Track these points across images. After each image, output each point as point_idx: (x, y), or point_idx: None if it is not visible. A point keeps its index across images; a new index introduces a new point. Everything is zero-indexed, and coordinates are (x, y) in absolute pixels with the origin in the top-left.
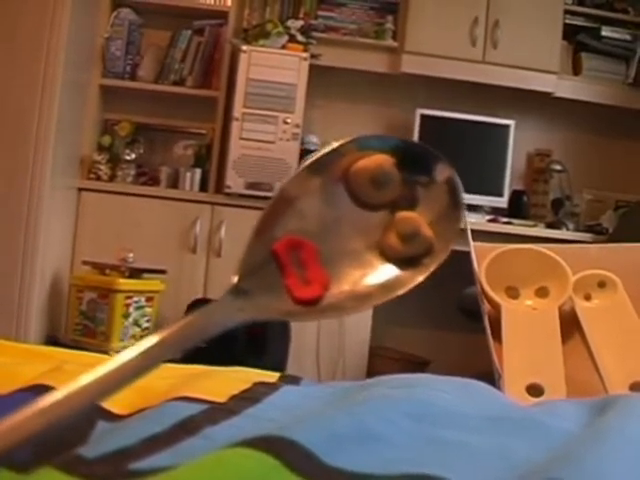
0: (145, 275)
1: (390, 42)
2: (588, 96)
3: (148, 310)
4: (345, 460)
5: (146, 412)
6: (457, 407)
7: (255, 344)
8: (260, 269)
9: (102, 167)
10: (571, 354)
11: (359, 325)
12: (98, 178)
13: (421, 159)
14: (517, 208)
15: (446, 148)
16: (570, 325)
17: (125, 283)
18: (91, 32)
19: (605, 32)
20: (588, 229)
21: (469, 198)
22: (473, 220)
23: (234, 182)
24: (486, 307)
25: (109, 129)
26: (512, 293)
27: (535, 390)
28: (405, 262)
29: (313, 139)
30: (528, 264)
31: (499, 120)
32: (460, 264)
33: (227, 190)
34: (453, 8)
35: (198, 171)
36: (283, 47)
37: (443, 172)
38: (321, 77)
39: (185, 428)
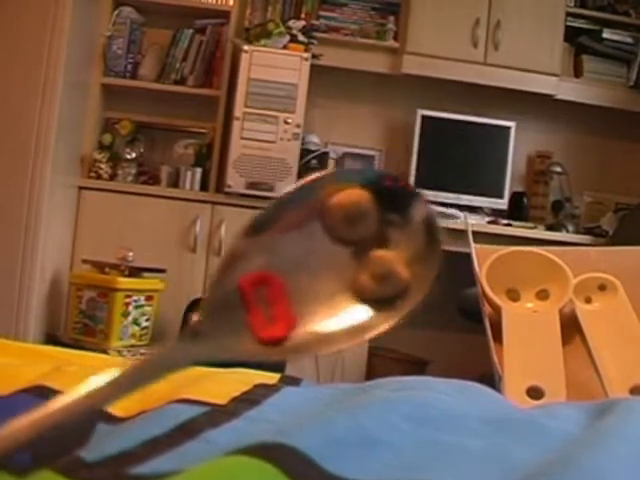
0: (145, 274)
1: (391, 43)
2: (589, 98)
3: (148, 309)
4: (345, 466)
5: (146, 414)
6: (457, 410)
7: None
8: (224, 307)
9: (103, 166)
10: (571, 357)
11: None
12: (99, 177)
13: (400, 196)
14: (517, 210)
15: (447, 149)
16: (570, 328)
17: (125, 282)
18: (92, 31)
19: (607, 34)
20: (588, 231)
21: (470, 199)
22: (473, 222)
23: (234, 181)
24: (487, 309)
25: (110, 128)
26: (513, 295)
27: (535, 392)
28: (378, 303)
29: (314, 139)
30: (529, 267)
31: (500, 122)
32: (460, 265)
33: (227, 189)
34: (455, 9)
35: (199, 170)
36: (284, 47)
37: (422, 210)
38: (322, 77)
39: (186, 431)
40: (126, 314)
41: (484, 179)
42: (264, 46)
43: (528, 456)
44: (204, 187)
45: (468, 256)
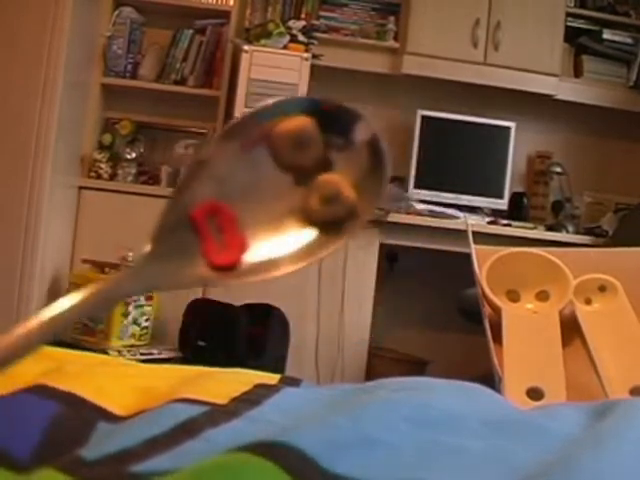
0: None
1: (391, 43)
2: (589, 99)
3: (147, 309)
4: (346, 466)
5: (147, 413)
6: (457, 411)
7: (255, 344)
8: (176, 234)
9: (103, 166)
10: (571, 358)
11: (358, 325)
12: (99, 177)
13: (343, 119)
14: (517, 210)
15: (447, 149)
16: (571, 329)
17: None
18: (92, 31)
19: (607, 35)
20: (588, 231)
21: (469, 199)
22: (473, 222)
23: None
24: (487, 310)
25: (110, 128)
26: (513, 296)
27: (535, 393)
28: (326, 226)
29: None
30: (529, 268)
31: (500, 122)
32: (460, 265)
33: None
34: (455, 9)
35: None
36: (285, 47)
37: (366, 132)
38: (322, 77)
39: (186, 430)
40: (126, 314)
41: (484, 179)
42: (264, 46)
43: (528, 457)
44: None
45: (468, 256)
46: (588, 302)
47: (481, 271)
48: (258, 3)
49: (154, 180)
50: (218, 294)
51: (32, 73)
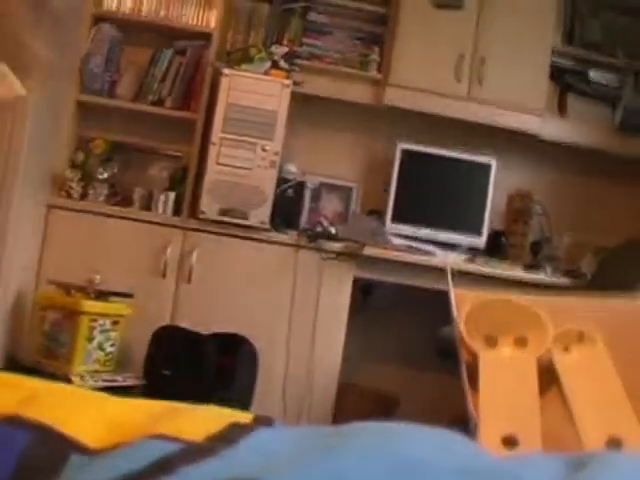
0: (112, 298)
1: (374, 74)
2: (573, 138)
3: (113, 334)
4: None
5: (122, 449)
6: (433, 459)
7: (223, 374)
8: None
9: (74, 185)
10: (548, 406)
11: (329, 359)
12: (69, 196)
13: None
14: (495, 249)
15: (426, 184)
16: (548, 377)
17: (91, 305)
18: (70, 47)
19: (593, 75)
20: (566, 273)
21: (448, 236)
22: (450, 259)
23: (208, 207)
24: (464, 354)
25: (83, 146)
26: (490, 342)
27: (510, 442)
28: None
29: (291, 168)
30: (508, 314)
31: (481, 158)
32: (435, 302)
33: (201, 216)
34: (439, 43)
35: (172, 194)
36: (266, 73)
37: None
38: (303, 105)
39: (161, 467)
40: (91, 338)
41: (463, 216)
42: (245, 71)
43: None
44: (177, 211)
45: (444, 294)
46: (567, 350)
47: (460, 314)
48: (240, 26)
49: (126, 202)
50: (187, 321)
51: None
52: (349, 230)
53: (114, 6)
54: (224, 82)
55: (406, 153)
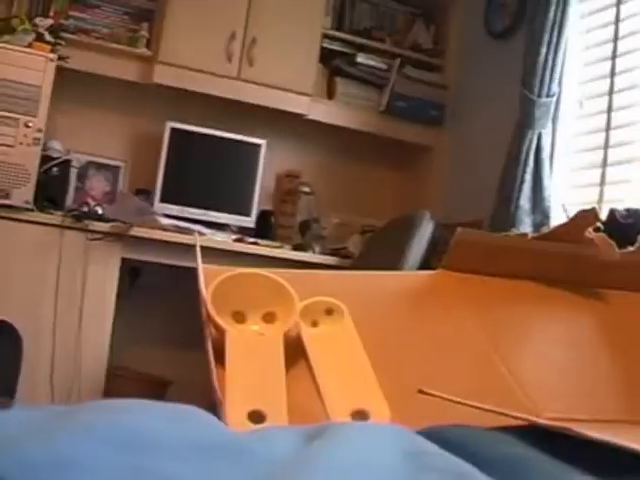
0: None
1: (144, 50)
2: (340, 120)
3: None
4: None
5: None
6: (163, 434)
7: None
8: None
9: None
10: (296, 381)
11: (97, 343)
12: None
13: None
14: (264, 228)
15: (196, 164)
16: (297, 351)
17: None
18: None
19: (361, 59)
20: (334, 252)
21: (217, 216)
22: (219, 239)
23: None
24: (211, 331)
25: None
26: (239, 318)
27: (257, 417)
28: None
29: (56, 145)
30: (256, 289)
31: (250, 139)
32: None
33: None
34: (210, 21)
35: None
36: (29, 45)
37: None
38: (68, 81)
39: None
40: None
41: (232, 196)
42: (6, 43)
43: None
44: None
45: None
46: (315, 325)
47: (207, 291)
48: None
49: None
50: None
51: None
52: (117, 210)
53: None
54: None
55: (175, 132)
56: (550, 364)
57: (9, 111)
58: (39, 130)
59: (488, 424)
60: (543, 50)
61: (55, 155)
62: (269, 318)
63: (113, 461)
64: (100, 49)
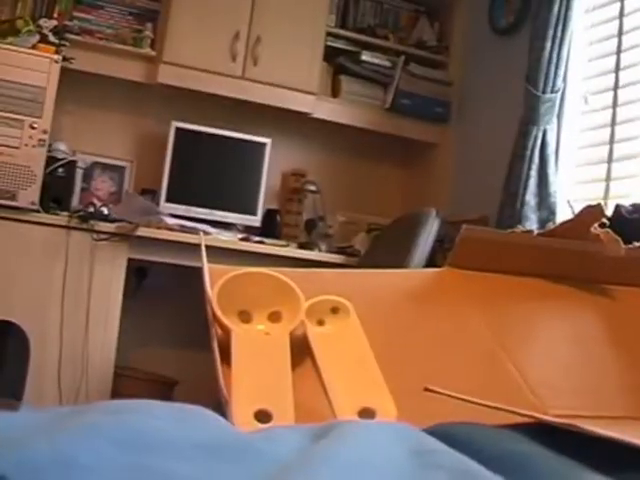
0: None
1: (148, 51)
2: (345, 119)
3: None
4: None
5: None
6: (169, 434)
7: None
8: None
9: None
10: (303, 380)
11: (104, 344)
12: None
13: None
14: (270, 227)
15: (201, 163)
16: (303, 350)
17: None
18: None
19: (365, 57)
20: (340, 251)
21: (223, 215)
22: (225, 238)
23: None
24: (216, 331)
25: None
26: (245, 317)
27: (264, 416)
28: None
29: (61, 147)
30: (261, 288)
31: (255, 138)
32: None
33: None
34: (214, 20)
35: None
36: (33, 47)
37: None
38: (73, 82)
39: None
40: None
41: (238, 195)
42: (11, 44)
43: (237, 479)
44: None
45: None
46: (321, 323)
47: (212, 291)
48: None
49: None
50: None
51: None
52: (122, 210)
53: None
54: None
55: (180, 132)
56: (556, 361)
57: (14, 113)
58: (44, 131)
59: (494, 421)
60: (547, 46)
61: (60, 156)
62: (275, 317)
63: (117, 461)
64: (104, 50)
